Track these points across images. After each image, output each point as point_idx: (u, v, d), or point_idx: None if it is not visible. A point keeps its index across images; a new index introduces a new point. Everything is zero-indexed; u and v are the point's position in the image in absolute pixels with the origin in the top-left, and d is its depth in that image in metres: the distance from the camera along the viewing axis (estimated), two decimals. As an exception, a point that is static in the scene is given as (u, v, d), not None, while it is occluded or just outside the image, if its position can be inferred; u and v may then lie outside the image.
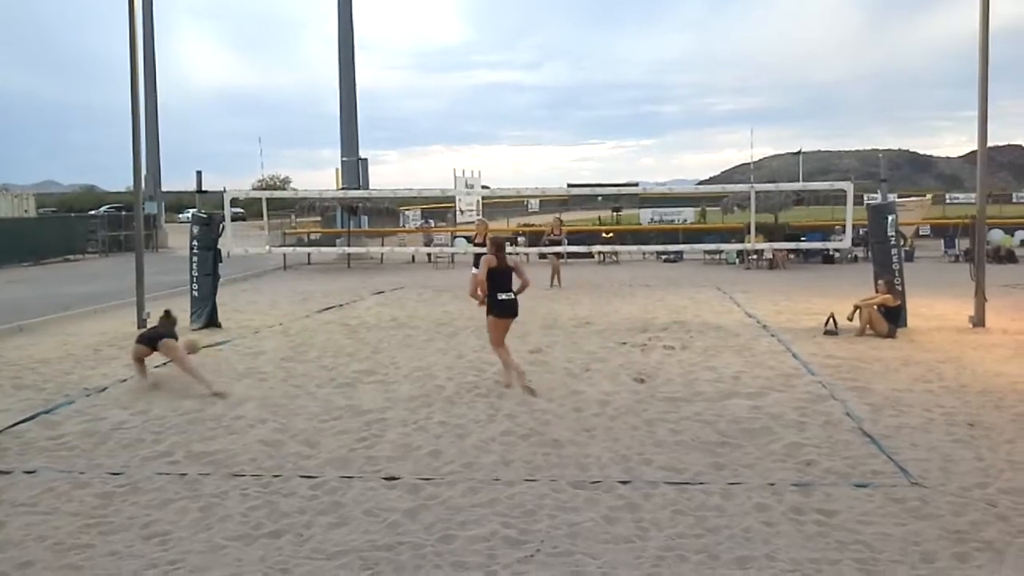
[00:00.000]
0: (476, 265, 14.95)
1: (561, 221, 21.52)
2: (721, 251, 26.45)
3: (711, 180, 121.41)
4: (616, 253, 27.17)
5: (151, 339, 9.79)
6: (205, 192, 15.30)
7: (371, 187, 32.71)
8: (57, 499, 6.11)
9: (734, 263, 26.32)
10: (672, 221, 39.96)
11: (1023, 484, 6.11)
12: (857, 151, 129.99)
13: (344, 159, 35.02)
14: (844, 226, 15.73)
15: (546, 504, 5.86)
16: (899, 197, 30.55)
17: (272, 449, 7.26)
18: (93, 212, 44.64)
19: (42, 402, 9.01)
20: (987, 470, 6.44)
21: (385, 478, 6.45)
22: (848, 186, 14.68)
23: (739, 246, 24.41)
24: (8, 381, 10.12)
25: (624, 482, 6.28)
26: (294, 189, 43.16)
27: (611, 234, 30.62)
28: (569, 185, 57.35)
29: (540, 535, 5.34)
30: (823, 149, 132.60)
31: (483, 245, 15.12)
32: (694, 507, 5.77)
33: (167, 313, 10.27)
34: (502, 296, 9.46)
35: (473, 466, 6.73)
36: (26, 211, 40.22)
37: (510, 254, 9.80)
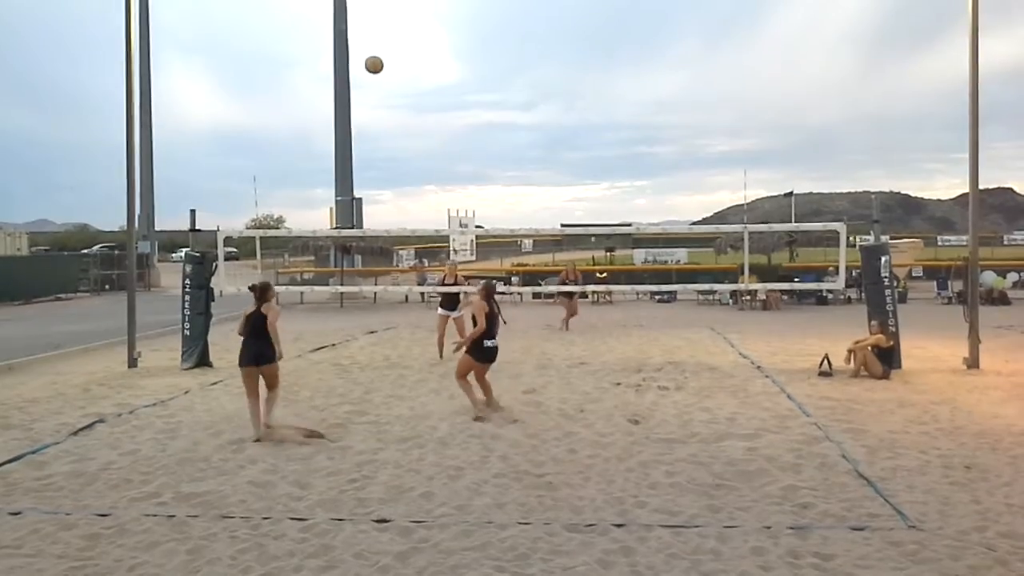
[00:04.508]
0: (443, 306, 15.04)
1: (575, 265, 21.59)
2: (714, 291, 26.49)
3: (704, 221, 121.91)
4: (610, 293, 27.19)
5: None
6: (198, 231, 15.30)
7: (365, 227, 32.81)
8: (42, 541, 6.01)
9: (727, 304, 26.35)
10: (665, 261, 40.09)
11: (1021, 528, 6.05)
12: (849, 193, 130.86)
13: (338, 199, 35.16)
14: (837, 267, 15.76)
15: (540, 547, 5.78)
16: (891, 239, 30.69)
17: (262, 490, 7.17)
18: (86, 251, 44.57)
19: (29, 442, 8.91)
20: (985, 513, 6.38)
21: (376, 520, 6.37)
22: (841, 227, 14.75)
23: (732, 286, 24.45)
24: (-4, 420, 10.02)
25: (619, 525, 6.20)
26: (287, 228, 43.29)
27: (605, 274, 30.68)
28: (563, 225, 57.59)
29: (534, 579, 5.25)
30: (815, 191, 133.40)
31: (452, 286, 15.10)
32: (689, 551, 5.70)
33: None
34: (488, 343, 9.90)
35: (466, 508, 6.65)
36: (19, 249, 40.14)
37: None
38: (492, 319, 9.99)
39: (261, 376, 9.09)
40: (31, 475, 7.67)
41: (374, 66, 14.39)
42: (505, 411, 10.06)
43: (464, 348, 10.16)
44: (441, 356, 14.64)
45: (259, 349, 9.06)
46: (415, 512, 6.57)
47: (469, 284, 15.46)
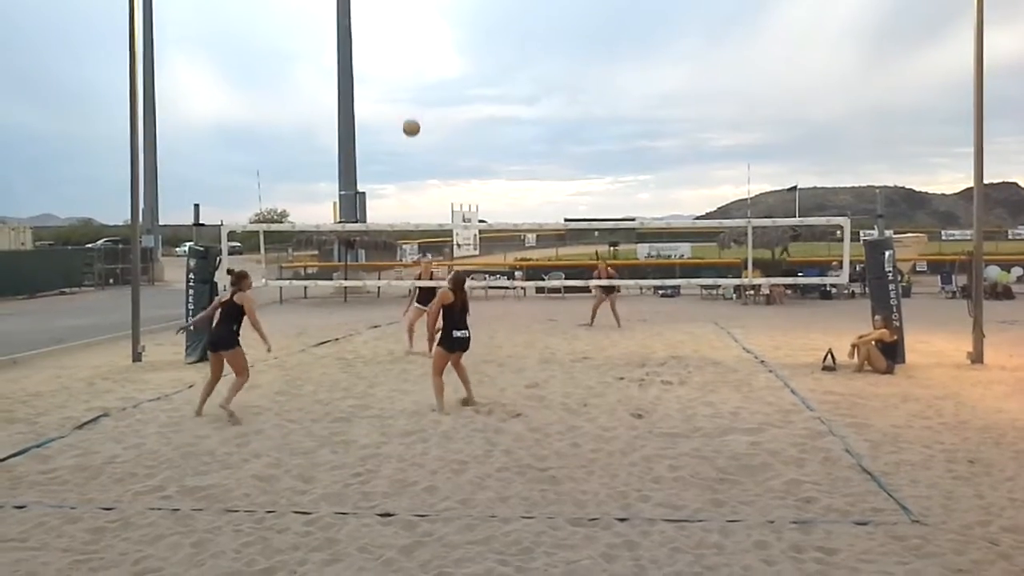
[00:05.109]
0: (418, 301, 15.02)
1: (603, 260, 21.21)
2: (718, 286, 26.46)
3: (708, 216, 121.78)
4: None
5: None
6: (202, 225, 15.31)
7: (368, 221, 32.78)
8: (47, 534, 6.03)
9: (731, 298, 26.32)
10: (669, 256, 40.08)
11: (1025, 522, 6.05)
12: (852, 187, 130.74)
13: (342, 193, 35.14)
14: (841, 262, 15.74)
15: (543, 541, 5.79)
16: (895, 233, 30.62)
17: (266, 484, 7.19)
18: (90, 245, 44.59)
19: (34, 436, 8.94)
20: (988, 508, 6.39)
21: (380, 514, 6.38)
22: (845, 222, 14.74)
23: (736, 281, 24.41)
24: (0, 414, 10.04)
25: (622, 519, 6.22)
26: (291, 223, 43.33)
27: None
28: (566, 220, 57.56)
29: (537, 573, 5.27)
30: (819, 185, 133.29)
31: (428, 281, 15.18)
32: (693, 545, 5.71)
33: None
34: (457, 333, 10.03)
35: (469, 502, 6.67)
36: (23, 244, 40.20)
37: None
38: (461, 309, 10.09)
39: (223, 361, 9.66)
40: (36, 468, 7.70)
41: (410, 129, 14.29)
42: (478, 404, 10.19)
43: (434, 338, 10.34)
44: (411, 346, 14.80)
45: (217, 335, 9.67)
46: (419, 506, 6.59)
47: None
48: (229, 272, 9.98)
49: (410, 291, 15.62)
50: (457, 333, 10.05)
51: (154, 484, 7.21)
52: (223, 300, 9.70)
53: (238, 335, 9.66)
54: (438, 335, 10.22)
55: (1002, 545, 5.63)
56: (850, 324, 15.91)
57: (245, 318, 9.66)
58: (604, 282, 18.84)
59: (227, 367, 9.88)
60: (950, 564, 5.32)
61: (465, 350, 10.27)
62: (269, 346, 9.86)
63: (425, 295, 14.91)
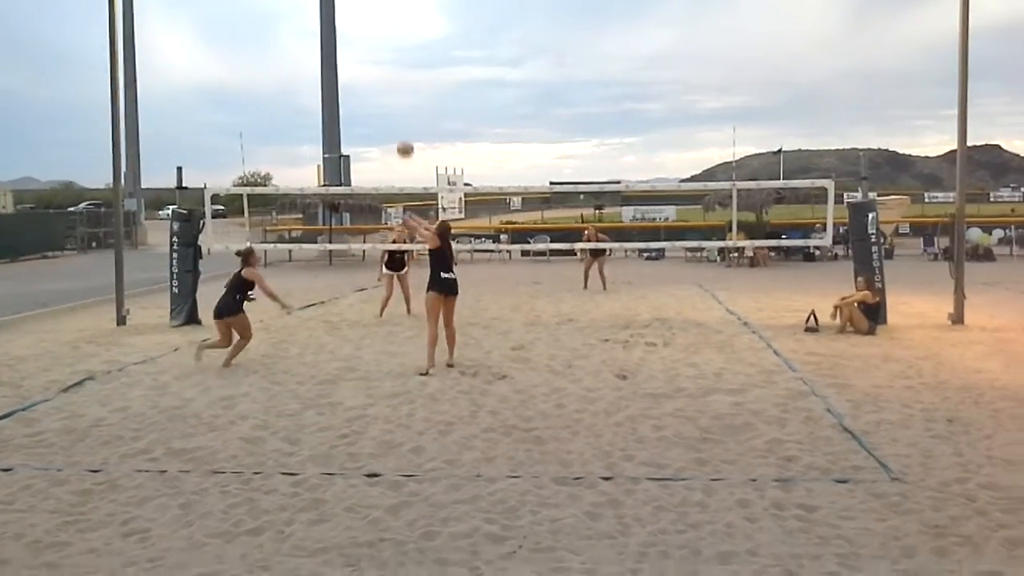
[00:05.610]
0: (388, 266, 14.98)
1: (594, 228, 21.13)
2: (702, 249, 26.53)
3: (693, 178, 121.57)
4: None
5: None
6: (185, 188, 15.19)
7: (353, 184, 32.61)
8: (34, 497, 6.04)
9: (715, 261, 26.42)
10: (654, 219, 40.07)
11: (1002, 479, 6.16)
12: (837, 150, 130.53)
13: (326, 156, 34.92)
14: (825, 224, 15.80)
15: (528, 500, 5.85)
16: (878, 196, 30.71)
17: (253, 446, 7.22)
18: (72, 209, 44.20)
19: (19, 399, 8.93)
20: (966, 466, 6.48)
21: (367, 475, 6.43)
22: (829, 184, 14.76)
23: (720, 243, 24.48)
24: (-15, 378, 10.02)
25: (606, 478, 6.28)
26: (275, 186, 42.97)
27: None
28: (551, 183, 57.44)
29: (522, 531, 5.33)
30: (804, 148, 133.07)
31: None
32: (676, 503, 5.78)
33: None
34: (444, 275, 10.28)
35: (455, 463, 6.72)
36: (4, 207, 39.81)
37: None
38: (444, 256, 10.34)
39: (230, 327, 10.62)
40: (22, 432, 7.70)
41: (404, 150, 14.20)
42: (462, 367, 10.27)
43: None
44: (381, 315, 14.76)
45: (222, 304, 10.63)
46: (405, 466, 6.63)
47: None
48: (237, 254, 11.09)
49: (382, 256, 15.40)
50: (445, 275, 10.22)
51: (140, 447, 7.23)
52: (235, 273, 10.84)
53: (242, 304, 10.72)
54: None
55: (979, 501, 5.72)
56: (833, 286, 16.00)
57: (250, 290, 11.02)
58: (591, 245, 18.87)
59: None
60: (928, 520, 5.41)
61: (455, 293, 10.41)
62: (290, 309, 11.18)
63: (394, 261, 14.83)
